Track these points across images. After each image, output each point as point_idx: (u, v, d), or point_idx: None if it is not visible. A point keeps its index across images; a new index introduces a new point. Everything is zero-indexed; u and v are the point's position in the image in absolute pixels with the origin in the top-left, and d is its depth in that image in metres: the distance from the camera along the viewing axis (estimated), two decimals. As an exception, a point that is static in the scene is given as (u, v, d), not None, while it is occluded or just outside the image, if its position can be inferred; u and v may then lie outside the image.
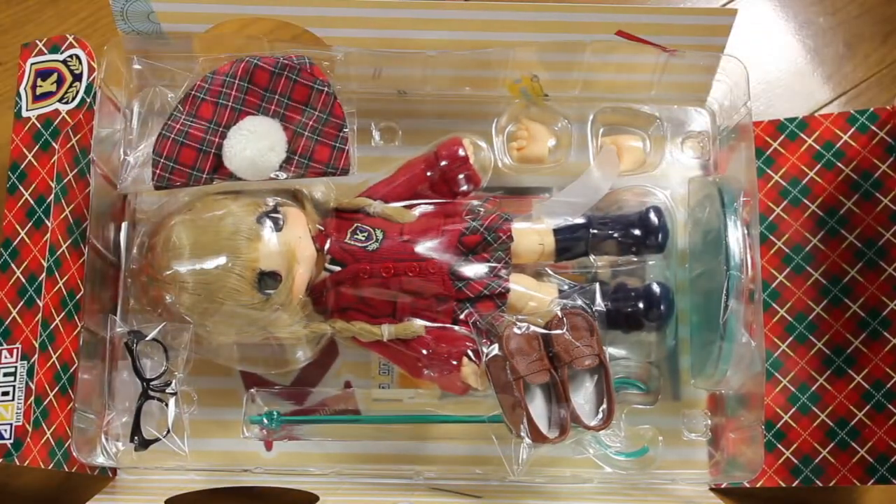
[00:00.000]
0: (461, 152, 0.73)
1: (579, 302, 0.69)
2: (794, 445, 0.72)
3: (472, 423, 0.72)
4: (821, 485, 0.72)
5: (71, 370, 0.69)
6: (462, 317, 0.69)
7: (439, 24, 0.71)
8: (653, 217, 0.72)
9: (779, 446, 0.73)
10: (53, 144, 0.71)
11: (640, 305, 0.71)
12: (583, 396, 0.68)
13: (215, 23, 0.73)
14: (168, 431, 0.70)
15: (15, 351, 0.68)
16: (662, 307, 0.71)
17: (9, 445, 0.66)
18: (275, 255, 0.67)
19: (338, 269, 0.70)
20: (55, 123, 0.72)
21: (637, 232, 0.72)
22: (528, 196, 0.77)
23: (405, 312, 0.70)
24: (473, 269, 0.70)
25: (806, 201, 0.76)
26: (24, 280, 0.69)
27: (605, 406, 0.67)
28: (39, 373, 0.67)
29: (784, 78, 0.85)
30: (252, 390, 0.75)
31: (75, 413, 0.69)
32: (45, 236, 0.69)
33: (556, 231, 0.72)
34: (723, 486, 0.74)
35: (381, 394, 0.75)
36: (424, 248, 0.70)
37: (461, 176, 0.74)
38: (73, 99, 0.72)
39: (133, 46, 0.74)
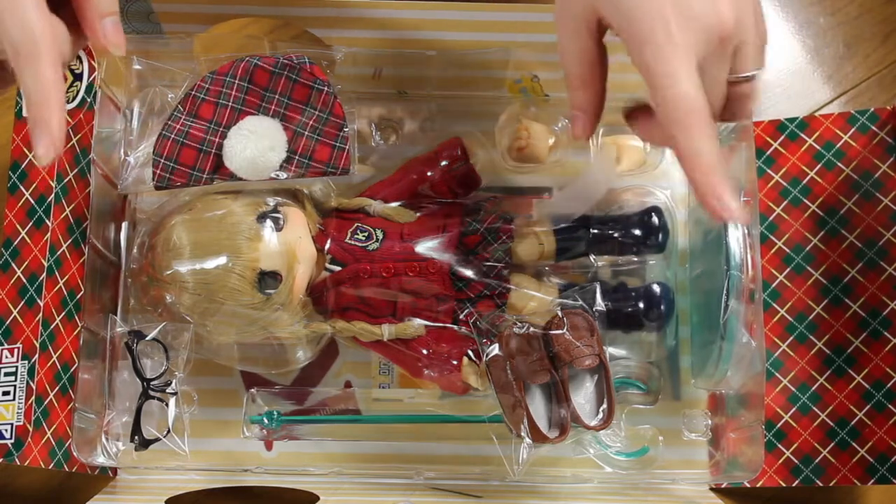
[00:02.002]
0: (461, 152, 0.74)
1: (579, 302, 0.69)
2: (795, 445, 0.72)
3: (472, 423, 0.72)
4: (821, 485, 0.72)
5: (71, 370, 0.69)
6: (462, 317, 0.69)
7: (439, 24, 0.71)
8: (653, 217, 0.72)
9: (779, 446, 0.73)
10: (54, 144, 0.71)
11: (641, 305, 0.71)
12: (583, 396, 0.68)
13: (215, 23, 0.73)
14: (168, 431, 0.70)
15: (15, 351, 0.68)
16: (663, 307, 0.71)
17: (9, 445, 0.66)
18: (275, 255, 0.67)
19: (338, 268, 0.70)
20: (56, 123, 0.72)
21: (637, 232, 0.72)
22: (528, 196, 0.77)
23: (405, 312, 0.70)
24: (474, 269, 0.70)
25: (806, 201, 0.76)
26: (24, 280, 0.69)
27: (605, 406, 0.67)
28: (40, 372, 0.67)
29: (784, 78, 0.84)
30: (252, 390, 0.75)
31: (76, 413, 0.69)
32: (45, 236, 0.69)
33: (557, 231, 0.72)
34: (723, 486, 0.74)
35: (381, 394, 0.75)
36: (425, 247, 0.70)
37: (461, 176, 0.74)
38: (74, 99, 0.72)
39: (133, 46, 0.74)
